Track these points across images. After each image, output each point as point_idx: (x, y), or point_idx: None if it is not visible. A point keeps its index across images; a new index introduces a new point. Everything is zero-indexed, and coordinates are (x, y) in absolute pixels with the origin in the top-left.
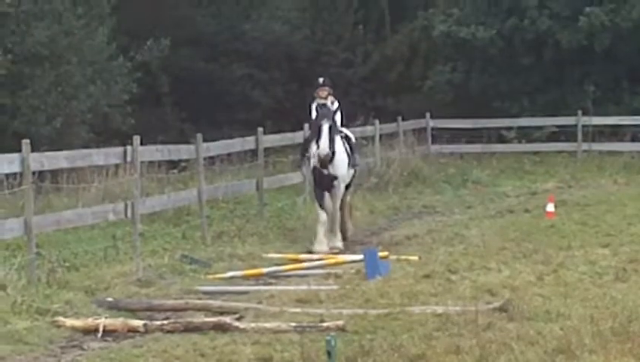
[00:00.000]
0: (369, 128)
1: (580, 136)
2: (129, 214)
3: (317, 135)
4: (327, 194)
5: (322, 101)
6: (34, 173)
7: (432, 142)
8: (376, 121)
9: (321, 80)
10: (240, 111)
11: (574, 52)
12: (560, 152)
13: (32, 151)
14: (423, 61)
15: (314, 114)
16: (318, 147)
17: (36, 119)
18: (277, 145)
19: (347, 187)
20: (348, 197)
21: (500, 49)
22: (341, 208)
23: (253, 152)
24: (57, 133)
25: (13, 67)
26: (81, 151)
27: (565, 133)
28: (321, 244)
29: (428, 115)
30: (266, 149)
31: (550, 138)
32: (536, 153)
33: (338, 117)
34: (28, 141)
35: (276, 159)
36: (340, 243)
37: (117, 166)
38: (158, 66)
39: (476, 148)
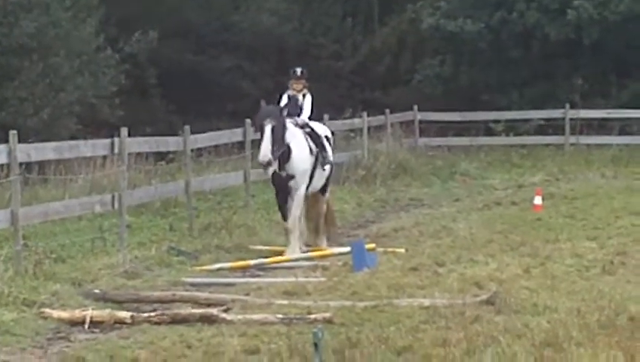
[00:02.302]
0: (357, 121)
1: (567, 130)
2: (116, 206)
3: (260, 137)
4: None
5: (294, 93)
6: (21, 164)
7: (420, 135)
8: (364, 114)
9: (298, 71)
10: (228, 103)
11: (562, 45)
12: (548, 145)
13: (20, 142)
14: (412, 54)
15: (282, 105)
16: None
17: (24, 110)
18: None
19: (324, 189)
20: (326, 196)
21: (488, 42)
22: (318, 211)
23: (241, 144)
24: (45, 125)
25: (0, 58)
26: (68, 143)
27: (553, 127)
28: (294, 250)
29: (416, 107)
30: (253, 141)
31: (538, 131)
32: (523, 146)
33: (307, 110)
34: (15, 132)
35: None
36: (294, 254)
37: (104, 157)
38: (146, 58)
39: (464, 141)
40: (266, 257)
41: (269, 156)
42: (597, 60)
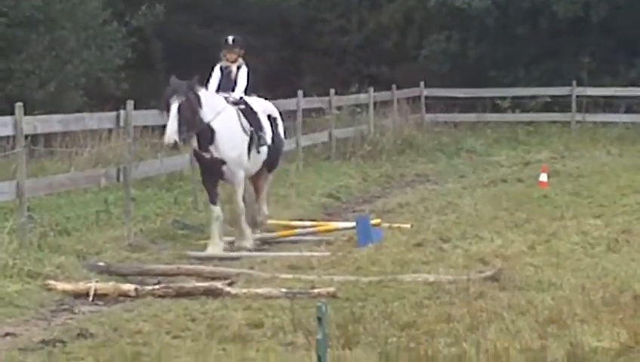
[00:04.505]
0: (363, 96)
1: (574, 107)
2: (121, 179)
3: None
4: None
5: (227, 64)
6: (27, 136)
7: (426, 111)
8: (371, 89)
9: (230, 39)
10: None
11: (570, 22)
12: (554, 123)
13: (26, 114)
14: (418, 30)
15: (214, 79)
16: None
17: (30, 83)
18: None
19: (271, 167)
20: (270, 178)
21: (495, 18)
22: (257, 189)
23: None
24: (51, 98)
25: (7, 31)
26: (74, 116)
27: (559, 104)
28: (216, 246)
29: (422, 83)
30: None
31: (544, 108)
32: (530, 123)
33: (242, 84)
34: (21, 104)
35: None
36: (249, 244)
37: (110, 130)
38: (153, 32)
39: (470, 117)
40: (271, 231)
41: (175, 137)
42: (605, 38)
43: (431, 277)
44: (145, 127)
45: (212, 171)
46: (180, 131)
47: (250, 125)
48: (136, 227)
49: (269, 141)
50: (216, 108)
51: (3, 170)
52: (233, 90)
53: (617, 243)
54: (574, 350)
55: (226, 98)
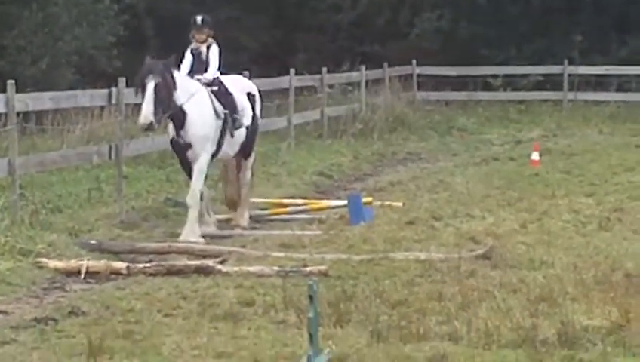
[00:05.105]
0: (355, 74)
1: (565, 86)
2: (113, 156)
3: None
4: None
5: (197, 45)
6: (18, 113)
7: (418, 89)
8: (363, 67)
9: (199, 19)
10: (226, 56)
11: (562, 1)
12: (545, 101)
13: (17, 92)
14: (410, 8)
15: (185, 62)
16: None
17: (22, 60)
18: (262, 90)
19: (247, 153)
20: (250, 162)
21: None
22: (238, 174)
23: None
24: (43, 75)
25: None
26: (66, 93)
27: (551, 82)
28: (190, 234)
29: (414, 61)
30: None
31: (536, 87)
32: (521, 102)
33: (214, 64)
34: (13, 81)
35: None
36: (194, 237)
37: (102, 108)
38: (145, 9)
39: (462, 95)
40: (263, 210)
41: (151, 118)
42: (597, 16)
43: (422, 256)
44: (137, 104)
45: (185, 159)
46: (155, 112)
47: (225, 108)
48: (127, 205)
49: (246, 122)
50: (190, 91)
51: None
52: (206, 72)
53: (609, 222)
54: (565, 328)
55: (198, 80)
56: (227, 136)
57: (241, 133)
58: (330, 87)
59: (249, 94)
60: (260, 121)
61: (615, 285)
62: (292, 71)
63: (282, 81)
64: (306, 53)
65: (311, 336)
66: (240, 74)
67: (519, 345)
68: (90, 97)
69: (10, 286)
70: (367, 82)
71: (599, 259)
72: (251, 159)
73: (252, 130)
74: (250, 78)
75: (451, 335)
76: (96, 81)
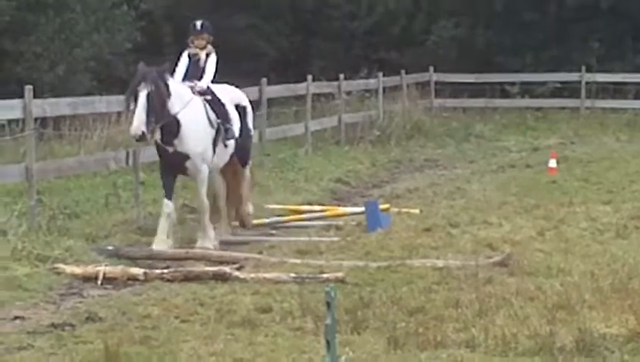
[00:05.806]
0: (372, 81)
1: (583, 93)
2: (130, 162)
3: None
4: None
5: (195, 51)
6: (36, 119)
7: (435, 96)
8: (380, 74)
9: (198, 24)
10: (244, 62)
11: (579, 8)
12: (563, 108)
13: (35, 97)
14: (427, 16)
15: (181, 66)
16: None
17: (39, 66)
18: (280, 97)
19: (244, 161)
20: (247, 173)
21: (504, 4)
22: (234, 188)
23: (256, 103)
24: (60, 81)
25: (17, 14)
26: (83, 99)
27: (568, 90)
28: (160, 243)
29: (431, 68)
30: (268, 100)
31: (553, 94)
32: (539, 109)
33: (209, 73)
34: (30, 87)
35: (279, 110)
36: (210, 244)
37: (119, 114)
38: (162, 15)
39: (479, 102)
40: (280, 216)
41: (142, 129)
42: (614, 24)
43: (440, 263)
44: None
45: (174, 166)
46: (147, 122)
47: (217, 117)
48: (145, 210)
49: (236, 133)
50: (184, 99)
51: (12, 153)
52: (201, 79)
53: (626, 230)
54: (583, 336)
55: (191, 87)
56: (219, 147)
57: (231, 144)
58: (348, 93)
59: (238, 105)
60: (252, 132)
61: (632, 293)
62: (309, 77)
63: (300, 88)
64: (322, 60)
65: (328, 343)
66: (259, 81)
67: (536, 352)
68: (107, 103)
69: (27, 291)
70: (384, 89)
71: (616, 266)
72: (247, 172)
73: (242, 142)
74: (268, 84)
75: (468, 342)
76: (113, 87)
